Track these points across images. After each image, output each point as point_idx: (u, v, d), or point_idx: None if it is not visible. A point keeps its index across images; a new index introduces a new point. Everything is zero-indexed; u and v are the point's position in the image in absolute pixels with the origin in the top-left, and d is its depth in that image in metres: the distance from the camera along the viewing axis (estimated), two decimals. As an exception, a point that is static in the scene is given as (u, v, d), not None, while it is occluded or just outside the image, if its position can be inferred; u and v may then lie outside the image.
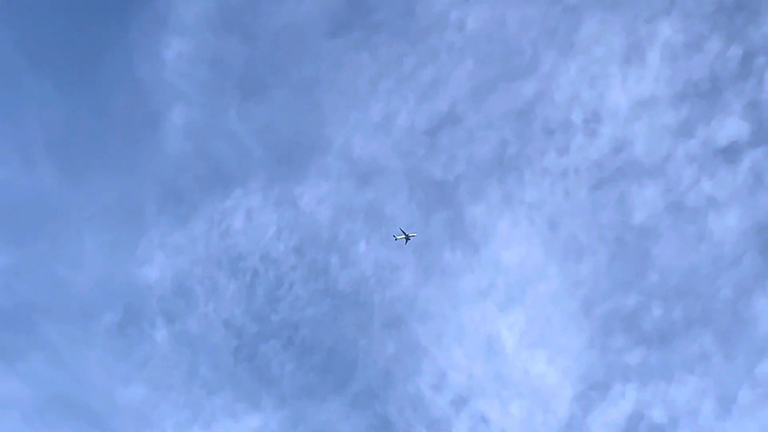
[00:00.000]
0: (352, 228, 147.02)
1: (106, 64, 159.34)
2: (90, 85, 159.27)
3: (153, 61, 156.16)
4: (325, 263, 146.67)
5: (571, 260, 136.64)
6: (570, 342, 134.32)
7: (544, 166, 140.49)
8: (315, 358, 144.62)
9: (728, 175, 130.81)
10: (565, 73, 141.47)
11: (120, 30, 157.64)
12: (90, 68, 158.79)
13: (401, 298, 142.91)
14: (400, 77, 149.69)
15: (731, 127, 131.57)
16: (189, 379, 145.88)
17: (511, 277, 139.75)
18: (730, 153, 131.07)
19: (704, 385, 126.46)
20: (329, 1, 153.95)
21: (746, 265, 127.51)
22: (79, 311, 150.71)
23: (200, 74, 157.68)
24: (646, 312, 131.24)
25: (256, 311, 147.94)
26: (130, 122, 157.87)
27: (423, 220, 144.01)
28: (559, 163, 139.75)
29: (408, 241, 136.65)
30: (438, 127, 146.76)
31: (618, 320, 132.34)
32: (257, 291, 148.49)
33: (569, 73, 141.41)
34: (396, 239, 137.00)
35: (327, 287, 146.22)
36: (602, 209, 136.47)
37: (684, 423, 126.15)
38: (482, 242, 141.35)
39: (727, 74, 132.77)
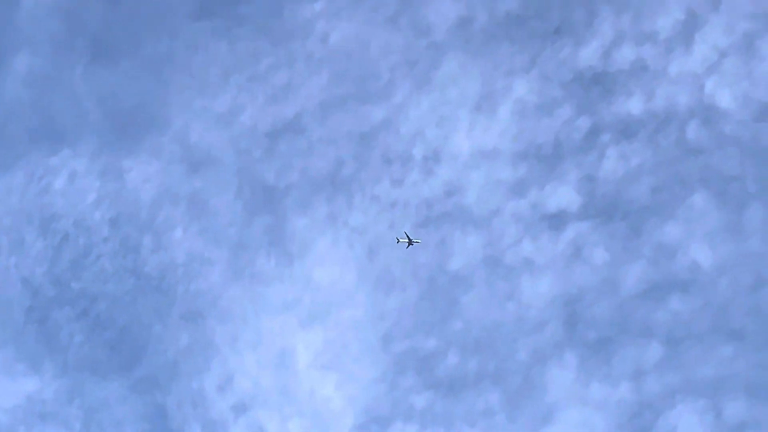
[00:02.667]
0: (172, 213, 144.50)
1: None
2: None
3: (8, 3, 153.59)
4: (138, 242, 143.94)
5: (381, 292, 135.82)
6: (362, 372, 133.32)
7: (375, 194, 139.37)
8: (106, 335, 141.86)
9: (549, 242, 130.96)
10: (416, 107, 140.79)
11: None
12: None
13: (206, 293, 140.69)
14: (253, 74, 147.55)
15: (563, 196, 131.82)
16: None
17: (318, 295, 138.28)
18: (556, 221, 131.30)
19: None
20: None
21: (547, 333, 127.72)
22: None
23: (54, 26, 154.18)
24: (442, 358, 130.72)
25: (58, 275, 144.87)
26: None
27: (245, 221, 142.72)
28: (390, 193, 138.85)
29: (410, 245, 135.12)
30: (280, 133, 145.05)
31: (413, 360, 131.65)
32: (63, 255, 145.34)
33: (420, 108, 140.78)
34: (399, 242, 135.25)
35: (134, 267, 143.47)
36: (422, 248, 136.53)
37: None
38: (298, 255, 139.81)
39: (571, 144, 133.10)
